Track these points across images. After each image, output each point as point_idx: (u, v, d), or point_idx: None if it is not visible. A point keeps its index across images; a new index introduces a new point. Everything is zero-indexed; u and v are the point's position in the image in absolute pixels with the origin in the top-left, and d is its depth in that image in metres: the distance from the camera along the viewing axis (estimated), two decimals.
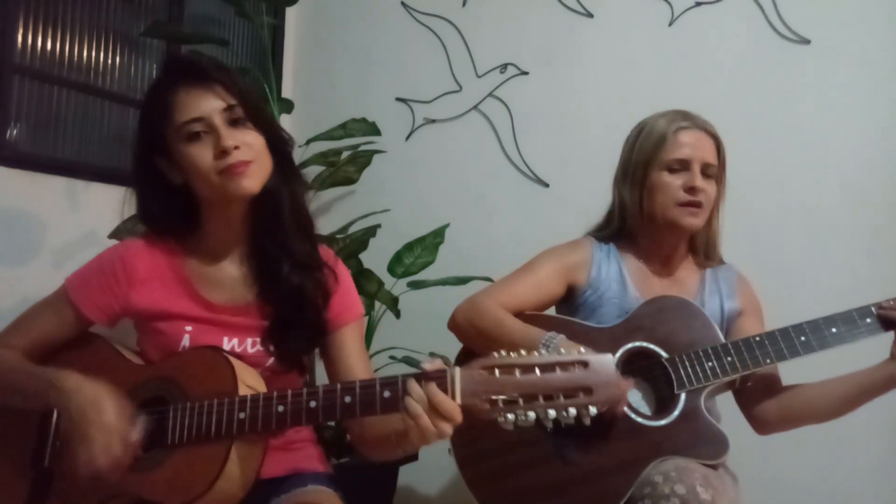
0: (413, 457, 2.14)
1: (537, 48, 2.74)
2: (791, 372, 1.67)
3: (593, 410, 1.09)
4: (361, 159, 2.59)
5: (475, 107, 2.80)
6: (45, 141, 2.21)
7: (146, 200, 1.41)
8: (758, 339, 1.58)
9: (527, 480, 1.56)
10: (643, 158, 1.70)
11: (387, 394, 1.18)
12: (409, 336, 2.38)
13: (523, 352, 1.14)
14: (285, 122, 2.71)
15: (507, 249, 2.21)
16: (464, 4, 2.83)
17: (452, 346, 1.75)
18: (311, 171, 2.49)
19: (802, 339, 1.56)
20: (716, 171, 1.67)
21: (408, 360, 2.38)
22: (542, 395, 1.10)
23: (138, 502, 1.27)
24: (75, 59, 2.28)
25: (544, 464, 1.56)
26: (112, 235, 1.99)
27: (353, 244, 2.39)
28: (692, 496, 1.35)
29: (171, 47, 2.58)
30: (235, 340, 1.39)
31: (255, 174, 1.33)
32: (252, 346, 1.39)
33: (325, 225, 2.72)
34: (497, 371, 1.12)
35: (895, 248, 2.36)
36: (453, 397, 1.13)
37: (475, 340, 1.68)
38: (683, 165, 1.66)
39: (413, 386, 1.15)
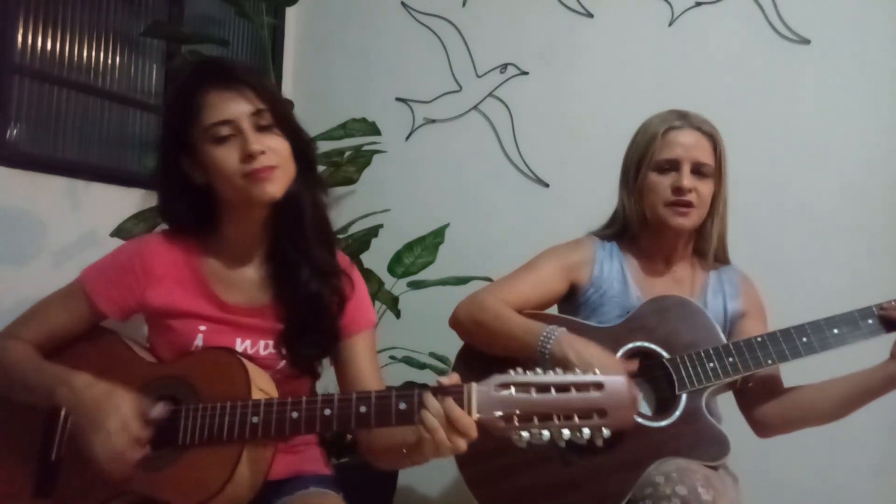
0: None
1: (537, 48, 2.74)
2: (793, 373, 1.67)
3: (606, 432, 1.11)
4: (361, 159, 2.59)
5: (475, 107, 2.80)
6: (45, 141, 2.21)
7: (168, 198, 1.41)
8: (759, 339, 1.58)
9: (527, 480, 1.56)
10: (636, 159, 1.71)
11: (402, 406, 1.19)
12: (409, 336, 2.38)
13: (539, 370, 1.15)
14: None
15: (507, 249, 2.21)
16: (464, 4, 2.83)
17: (452, 346, 1.75)
18: None
19: (804, 340, 1.56)
20: (711, 171, 1.66)
21: (408, 360, 2.38)
22: (556, 415, 1.11)
23: (142, 501, 1.27)
24: (75, 59, 2.28)
25: (544, 464, 1.56)
26: (114, 234, 2.00)
27: (354, 244, 2.39)
28: (693, 497, 1.35)
29: (171, 47, 2.58)
30: (248, 342, 1.39)
31: (279, 179, 1.33)
32: (265, 348, 1.40)
33: None
34: (513, 389, 1.13)
35: (895, 248, 2.36)
36: (469, 413, 1.14)
37: (476, 335, 1.68)
38: (672, 165, 1.65)
39: (430, 399, 1.16)
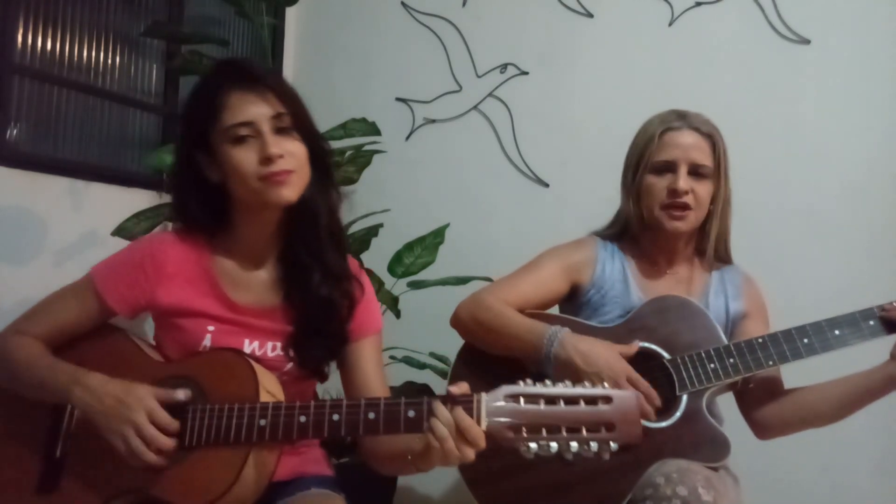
0: None
1: (537, 48, 2.74)
2: (794, 375, 1.67)
3: (614, 446, 1.12)
4: (361, 159, 2.59)
5: (475, 107, 2.80)
6: (45, 141, 2.21)
7: (182, 194, 1.42)
8: (760, 340, 1.57)
9: (527, 481, 1.56)
10: (635, 160, 1.70)
11: (411, 413, 1.19)
12: (409, 336, 2.38)
13: (548, 382, 1.15)
14: None
15: (507, 249, 2.21)
16: (464, 4, 2.83)
17: (452, 346, 1.75)
18: None
19: (805, 341, 1.56)
20: (710, 172, 1.65)
21: (408, 360, 2.37)
22: (564, 428, 1.12)
23: (145, 500, 1.26)
24: (75, 59, 2.28)
25: (545, 464, 1.53)
26: (115, 233, 2.00)
27: (354, 244, 2.39)
28: (694, 498, 1.35)
29: (171, 47, 2.58)
30: (256, 343, 1.39)
31: (295, 183, 1.33)
32: (272, 350, 1.40)
33: None
34: (522, 400, 1.14)
35: (895, 248, 2.36)
36: (478, 423, 1.15)
37: (478, 335, 1.68)
38: (669, 167, 1.65)
39: (440, 408, 1.16)
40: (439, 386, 2.29)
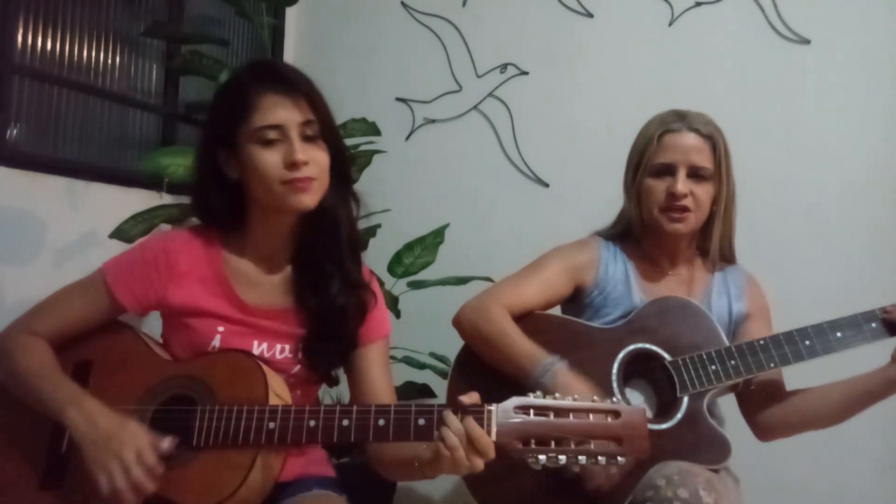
0: None
1: (537, 48, 2.74)
2: (796, 376, 1.66)
3: (622, 460, 1.13)
4: (361, 159, 2.59)
5: (475, 107, 2.80)
6: (45, 141, 2.20)
7: (200, 188, 1.42)
8: (762, 342, 1.57)
9: (527, 481, 1.55)
10: (634, 162, 1.70)
11: (422, 421, 1.20)
12: (409, 336, 2.38)
13: (557, 395, 1.17)
14: None
15: (507, 249, 2.22)
16: (464, 4, 2.82)
17: (452, 346, 1.75)
18: None
19: (807, 343, 1.56)
20: (710, 173, 1.65)
21: (408, 360, 2.37)
22: (573, 441, 1.13)
23: (151, 500, 1.26)
24: (75, 59, 2.27)
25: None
26: (113, 236, 1.99)
27: None
28: (695, 500, 1.34)
29: (171, 47, 2.58)
30: (265, 345, 1.39)
31: (316, 191, 1.34)
32: (280, 352, 1.40)
33: None
34: (532, 412, 1.15)
35: (895, 248, 2.36)
36: (489, 433, 1.15)
37: (476, 344, 1.67)
38: (668, 170, 1.64)
39: (451, 418, 1.17)
40: (439, 386, 2.30)
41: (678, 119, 1.67)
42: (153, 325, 1.49)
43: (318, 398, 1.58)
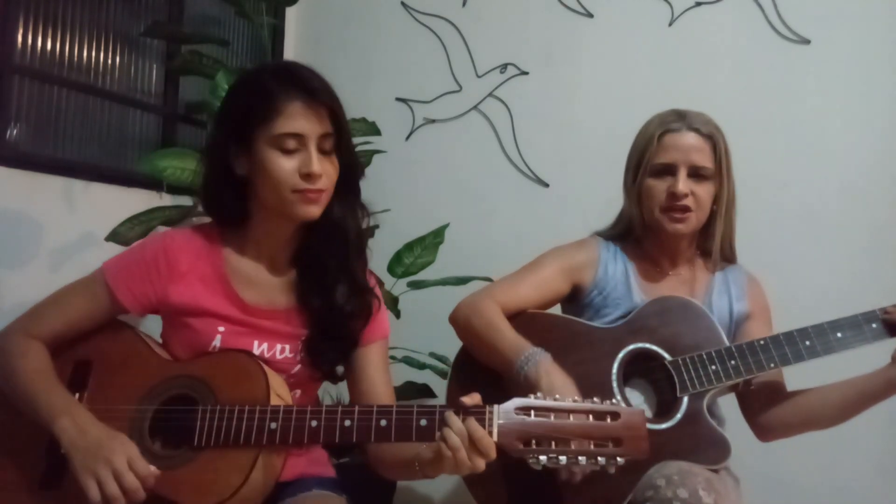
0: None
1: (537, 48, 2.74)
2: (796, 377, 1.66)
3: (621, 461, 1.15)
4: (361, 159, 2.59)
5: (475, 107, 2.80)
6: (45, 141, 2.20)
7: (208, 180, 1.41)
8: (762, 342, 1.57)
9: (526, 482, 1.55)
10: (634, 162, 1.70)
11: (423, 422, 1.21)
12: (409, 336, 2.38)
13: (558, 396, 1.18)
14: None
15: (507, 249, 2.21)
16: (464, 4, 2.82)
17: (452, 346, 1.75)
18: None
19: (807, 343, 1.55)
20: (710, 173, 1.65)
21: (408, 360, 2.37)
22: (573, 441, 1.15)
23: (151, 500, 1.26)
24: (75, 59, 2.27)
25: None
26: (109, 238, 1.98)
27: None
28: (694, 500, 1.34)
29: (171, 47, 2.58)
30: (266, 345, 1.39)
31: (324, 203, 1.35)
32: (281, 352, 1.40)
33: None
34: (533, 413, 1.17)
35: (895, 248, 2.36)
36: (490, 434, 1.16)
37: (467, 339, 1.67)
38: (668, 170, 1.64)
39: (453, 418, 1.18)
40: (439, 386, 2.30)
41: (678, 119, 1.66)
42: (153, 326, 1.49)
43: (317, 398, 1.58)
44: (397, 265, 2.41)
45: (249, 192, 1.38)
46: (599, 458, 1.14)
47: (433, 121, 2.85)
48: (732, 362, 1.56)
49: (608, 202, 1.81)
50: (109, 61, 2.40)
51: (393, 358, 2.37)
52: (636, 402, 1.61)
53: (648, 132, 1.68)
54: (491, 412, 1.17)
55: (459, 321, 1.68)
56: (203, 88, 2.60)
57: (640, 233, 1.73)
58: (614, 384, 1.58)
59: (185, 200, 2.35)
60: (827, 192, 2.43)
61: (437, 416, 1.20)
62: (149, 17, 2.51)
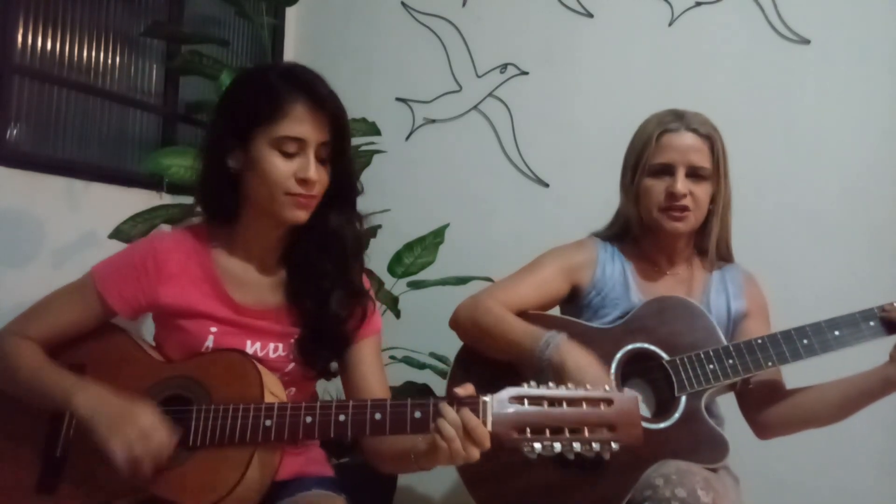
0: None
1: (537, 48, 2.74)
2: (795, 375, 1.66)
3: (615, 447, 1.15)
4: (361, 159, 2.59)
5: (475, 107, 2.80)
6: (45, 141, 2.21)
7: (202, 172, 1.41)
8: (760, 341, 1.57)
9: (525, 482, 1.56)
10: (632, 162, 1.70)
11: (418, 414, 1.22)
12: (409, 336, 2.38)
13: (551, 384, 1.19)
14: None
15: (507, 249, 2.21)
16: (464, 4, 2.83)
17: (452, 346, 1.75)
18: None
19: (805, 342, 1.56)
20: (708, 173, 1.65)
21: (408, 360, 2.37)
22: (567, 429, 1.15)
23: (148, 500, 1.27)
24: (75, 59, 2.28)
25: (543, 465, 1.55)
26: (112, 236, 1.99)
27: None
28: (693, 499, 1.34)
29: (171, 47, 2.58)
30: (258, 344, 1.39)
31: (312, 209, 1.36)
32: (274, 351, 1.40)
33: None
34: (526, 401, 1.17)
35: (895, 249, 2.36)
36: (485, 423, 1.17)
37: (476, 338, 1.67)
38: (667, 170, 1.64)
39: (447, 409, 1.18)
40: (439, 386, 2.29)
41: (676, 119, 1.67)
42: (145, 329, 1.49)
43: (315, 394, 1.58)
44: (397, 265, 2.42)
45: (240, 189, 1.38)
46: (594, 444, 1.15)
47: (433, 121, 2.85)
48: (730, 361, 1.57)
49: (608, 202, 1.81)
50: (109, 61, 2.40)
51: (393, 358, 2.37)
52: None
53: (646, 132, 1.68)
54: (485, 402, 1.18)
55: (464, 323, 1.68)
56: (203, 88, 2.60)
57: (637, 232, 1.73)
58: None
59: (186, 200, 2.35)
60: (827, 193, 2.43)
61: (431, 407, 1.20)
62: (149, 17, 2.51)
